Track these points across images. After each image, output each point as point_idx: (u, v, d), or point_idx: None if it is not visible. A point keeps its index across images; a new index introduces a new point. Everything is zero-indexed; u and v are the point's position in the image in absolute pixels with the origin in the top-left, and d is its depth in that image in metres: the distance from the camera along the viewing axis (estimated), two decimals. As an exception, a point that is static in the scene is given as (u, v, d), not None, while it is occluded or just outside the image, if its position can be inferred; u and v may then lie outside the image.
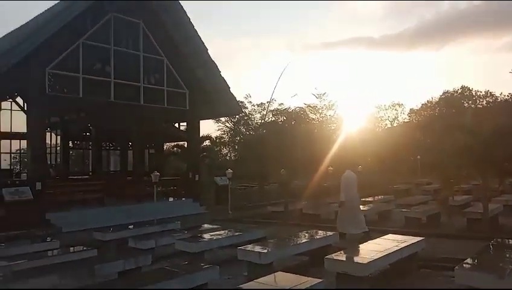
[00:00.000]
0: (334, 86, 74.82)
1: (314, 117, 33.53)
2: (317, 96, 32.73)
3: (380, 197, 15.37)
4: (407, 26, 78.71)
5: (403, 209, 12.08)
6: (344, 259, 6.02)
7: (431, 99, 42.66)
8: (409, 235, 7.61)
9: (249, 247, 6.97)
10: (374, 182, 21.13)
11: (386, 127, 40.85)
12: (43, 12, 16.01)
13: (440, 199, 13.04)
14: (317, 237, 8.03)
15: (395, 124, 41.31)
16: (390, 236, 7.50)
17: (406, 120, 41.69)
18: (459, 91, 42.34)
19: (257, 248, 6.80)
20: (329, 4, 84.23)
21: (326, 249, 7.43)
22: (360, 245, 6.83)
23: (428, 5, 68.96)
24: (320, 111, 33.41)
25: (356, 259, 5.95)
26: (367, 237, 8.76)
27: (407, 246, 6.74)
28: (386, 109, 42.64)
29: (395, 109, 42.71)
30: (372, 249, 6.35)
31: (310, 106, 33.51)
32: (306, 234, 8.21)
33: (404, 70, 71.24)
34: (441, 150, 10.80)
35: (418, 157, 25.27)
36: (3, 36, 18.56)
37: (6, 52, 11.94)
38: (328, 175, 19.79)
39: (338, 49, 68.21)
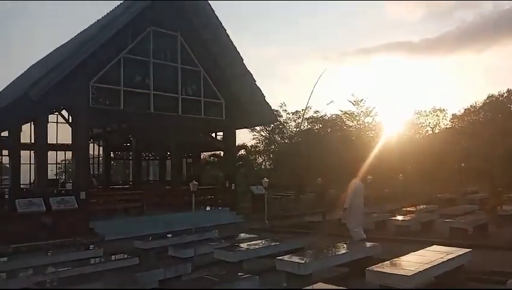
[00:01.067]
0: (372, 93, 73.36)
1: (351, 124, 32.93)
2: (354, 103, 32.16)
3: (422, 206, 14.81)
4: (448, 29, 76.29)
5: (447, 220, 11.55)
6: (387, 271, 5.80)
7: (474, 104, 40.80)
8: (454, 246, 7.27)
9: (287, 257, 6.88)
10: (415, 191, 20.43)
11: (427, 134, 39.49)
12: (87, 28, 16.79)
13: (488, 208, 12.42)
14: (357, 247, 7.83)
15: (436, 131, 39.84)
16: (434, 247, 7.19)
17: (448, 126, 40.09)
18: (505, 95, 40.20)
19: (295, 259, 6.70)
20: (366, 9, 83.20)
21: (366, 260, 7.22)
22: (403, 257, 6.59)
23: (470, 6, 66.60)
24: (357, 118, 32.78)
25: (399, 271, 5.73)
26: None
27: (453, 258, 6.43)
28: (427, 115, 41.13)
29: (437, 115, 41.11)
30: (416, 261, 6.11)
31: (346, 113, 32.97)
32: (345, 245, 8.02)
33: (445, 75, 68.86)
34: (487, 157, 10.30)
35: (463, 165, 24.21)
36: (50, 53, 19.62)
37: (54, 68, 12.58)
38: (367, 184, 19.32)
39: (376, 54, 67.01)
